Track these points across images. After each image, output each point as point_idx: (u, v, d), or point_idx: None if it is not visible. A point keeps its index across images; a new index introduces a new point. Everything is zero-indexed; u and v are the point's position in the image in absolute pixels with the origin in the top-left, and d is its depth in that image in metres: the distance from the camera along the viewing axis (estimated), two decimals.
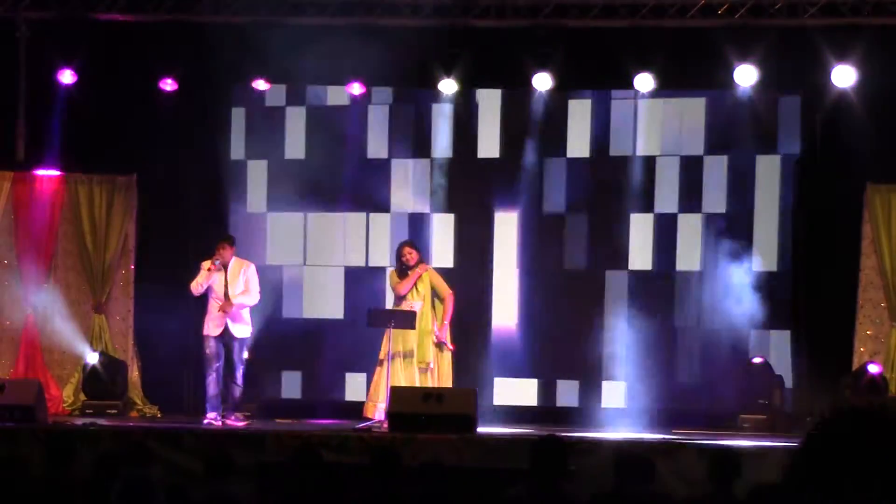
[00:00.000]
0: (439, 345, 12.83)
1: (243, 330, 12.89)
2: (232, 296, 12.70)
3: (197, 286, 12.72)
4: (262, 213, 15.04)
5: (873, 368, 13.31)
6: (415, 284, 12.87)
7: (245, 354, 14.01)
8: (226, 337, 12.80)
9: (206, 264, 12.73)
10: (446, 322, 12.85)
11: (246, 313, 12.95)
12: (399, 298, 12.90)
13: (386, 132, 14.88)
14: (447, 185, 14.66)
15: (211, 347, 12.80)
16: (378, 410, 12.47)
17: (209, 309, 12.84)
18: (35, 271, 14.51)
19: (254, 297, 12.94)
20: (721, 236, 14.17)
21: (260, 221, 15.03)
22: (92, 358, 14.27)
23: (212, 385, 12.80)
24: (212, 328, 12.79)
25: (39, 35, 14.21)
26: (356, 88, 14.30)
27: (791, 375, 13.80)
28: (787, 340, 14.01)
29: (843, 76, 13.40)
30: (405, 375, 12.65)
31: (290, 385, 14.91)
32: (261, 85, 14.32)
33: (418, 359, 12.72)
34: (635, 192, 14.38)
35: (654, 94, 14.04)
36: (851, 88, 13.45)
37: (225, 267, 12.76)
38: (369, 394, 12.98)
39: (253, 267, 13.01)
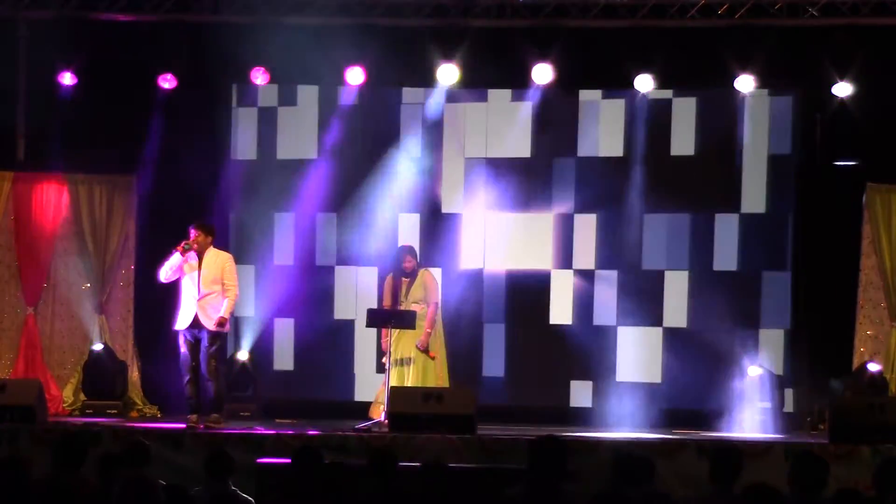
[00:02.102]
0: (424, 352, 12.76)
1: (214, 321, 12.13)
2: (205, 286, 12.01)
3: (165, 270, 12.09)
4: (266, 212, 15.04)
5: (873, 367, 13.33)
6: (410, 288, 12.83)
7: (241, 357, 13.99)
8: (195, 329, 12.11)
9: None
10: (428, 329, 12.73)
11: (219, 304, 12.13)
12: (396, 300, 12.86)
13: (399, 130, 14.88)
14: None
15: (183, 346, 12.11)
16: (384, 414, 12.44)
17: (180, 303, 12.18)
18: (35, 271, 14.51)
19: (232, 293, 12.19)
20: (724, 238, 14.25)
21: (263, 221, 15.04)
22: (93, 356, 14.26)
23: (187, 387, 12.20)
24: (181, 321, 12.10)
25: (39, 35, 14.21)
26: (357, 75, 14.20)
27: (791, 375, 13.79)
28: (787, 340, 14.01)
29: (843, 76, 13.41)
30: (407, 378, 12.64)
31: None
32: (259, 79, 14.26)
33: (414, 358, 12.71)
34: (646, 193, 14.38)
35: (655, 95, 14.07)
36: (851, 88, 13.46)
37: (199, 256, 12.16)
38: (376, 395, 12.96)
39: (231, 259, 12.39)
